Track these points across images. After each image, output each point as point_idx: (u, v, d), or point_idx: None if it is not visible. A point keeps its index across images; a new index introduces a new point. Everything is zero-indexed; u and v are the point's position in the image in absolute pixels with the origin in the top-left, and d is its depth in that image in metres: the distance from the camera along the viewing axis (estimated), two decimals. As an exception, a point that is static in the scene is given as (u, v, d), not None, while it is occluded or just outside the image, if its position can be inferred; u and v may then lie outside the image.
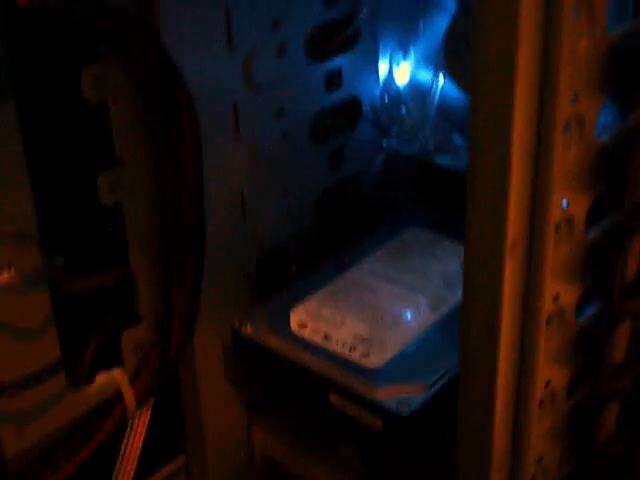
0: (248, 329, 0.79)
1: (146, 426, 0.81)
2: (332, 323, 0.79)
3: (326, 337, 0.77)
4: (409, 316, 0.80)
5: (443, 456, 0.68)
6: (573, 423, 0.79)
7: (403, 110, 1.00)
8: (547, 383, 0.70)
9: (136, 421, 0.80)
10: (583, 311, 0.73)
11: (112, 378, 0.78)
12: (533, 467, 0.74)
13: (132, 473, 0.81)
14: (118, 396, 0.78)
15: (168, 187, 0.77)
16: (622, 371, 0.81)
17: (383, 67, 0.99)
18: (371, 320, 0.79)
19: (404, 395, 0.69)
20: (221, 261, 0.85)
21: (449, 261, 0.87)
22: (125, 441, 0.80)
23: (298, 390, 0.78)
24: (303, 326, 0.79)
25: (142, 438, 0.81)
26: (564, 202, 0.66)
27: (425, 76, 0.97)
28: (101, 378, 0.78)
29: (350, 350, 0.75)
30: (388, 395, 0.69)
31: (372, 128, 0.99)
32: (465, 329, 0.62)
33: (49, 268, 0.71)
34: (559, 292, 0.67)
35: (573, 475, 0.82)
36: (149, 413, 0.81)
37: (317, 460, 0.88)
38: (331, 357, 0.75)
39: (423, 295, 0.82)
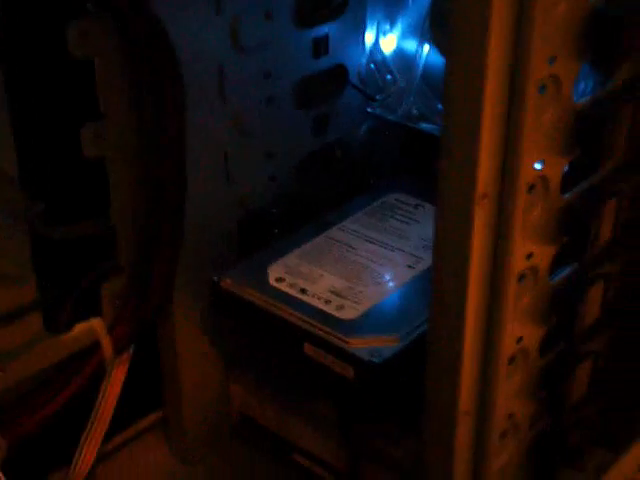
0: (226, 282, 0.81)
1: (124, 377, 0.82)
2: (309, 278, 0.80)
3: (302, 291, 0.79)
4: (386, 273, 0.81)
5: (416, 408, 0.70)
6: (546, 382, 0.80)
7: (388, 78, 1.02)
8: (519, 340, 0.72)
9: (113, 371, 0.81)
10: (558, 272, 0.75)
11: (90, 327, 0.79)
12: (504, 422, 0.75)
13: (108, 422, 0.82)
14: (96, 345, 0.79)
15: (151, 142, 0.78)
16: (595, 332, 0.84)
17: (370, 36, 1.00)
18: (348, 276, 0.81)
19: (376, 345, 0.70)
20: (203, 219, 0.86)
21: (430, 224, 0.87)
22: (102, 390, 0.81)
23: (274, 342, 0.79)
24: (280, 280, 0.80)
25: (119, 388, 0.82)
26: (539, 163, 0.67)
27: (411, 45, 0.99)
28: (79, 327, 0.79)
29: (325, 303, 0.77)
30: (360, 345, 0.70)
31: (358, 95, 1.00)
32: (436, 278, 0.64)
33: (29, 214, 0.72)
34: (532, 251, 0.69)
35: (547, 433, 0.84)
36: (127, 364, 0.82)
37: (294, 416, 0.90)
38: (306, 309, 0.76)
39: (401, 254, 0.84)
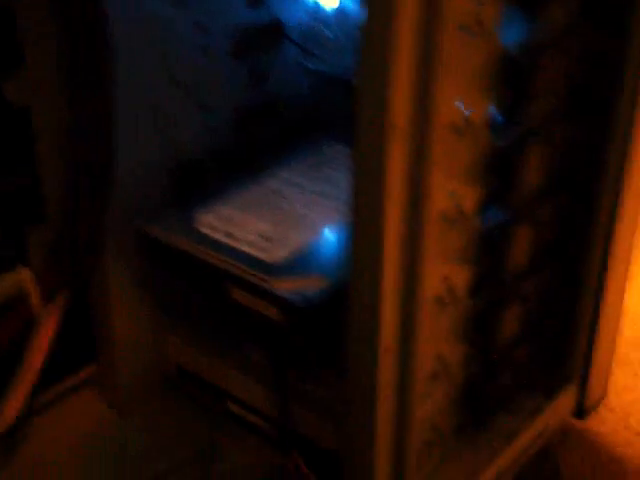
0: (153, 229, 0.80)
1: (55, 327, 0.82)
2: (237, 224, 0.80)
3: (229, 235, 0.79)
4: (314, 219, 0.81)
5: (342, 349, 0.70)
6: (477, 325, 0.81)
7: (328, 34, 1.02)
8: (444, 279, 0.73)
9: (43, 320, 0.81)
10: (487, 215, 0.76)
11: (18, 277, 0.79)
12: (433, 363, 0.77)
13: (37, 372, 0.82)
14: (24, 295, 0.79)
15: (78, 92, 0.78)
16: (524, 275, 0.85)
17: (309, -9, 1.00)
18: (276, 221, 0.81)
19: (301, 286, 0.71)
20: (135, 168, 0.86)
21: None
22: (31, 339, 0.81)
23: (201, 287, 0.80)
24: (208, 226, 0.80)
25: (50, 337, 0.82)
26: (461, 104, 0.68)
27: (349, 0, 0.99)
28: (7, 276, 0.79)
29: (251, 246, 0.77)
30: (285, 286, 0.71)
31: (298, 51, 1.00)
32: (355, 211, 0.65)
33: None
34: (455, 190, 0.70)
35: (479, 376, 0.85)
36: (58, 315, 0.82)
37: (227, 364, 0.90)
38: (232, 252, 0.77)
39: (331, 201, 0.84)
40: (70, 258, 0.80)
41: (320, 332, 0.73)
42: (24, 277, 0.79)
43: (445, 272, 0.72)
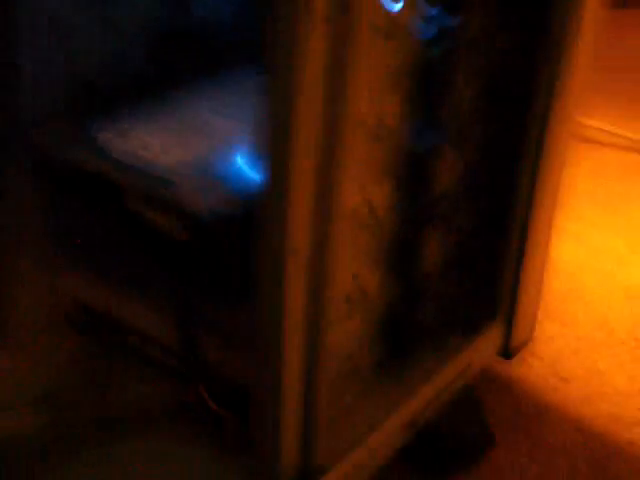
0: (42, 136, 0.73)
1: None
2: (137, 137, 0.74)
3: (138, 149, 0.71)
4: (218, 134, 0.75)
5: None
6: (399, 250, 0.77)
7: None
8: (363, 194, 0.68)
9: None
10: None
11: None
12: (348, 283, 0.72)
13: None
14: None
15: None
16: (447, 198, 0.80)
17: None
18: (177, 133, 0.75)
19: (199, 192, 0.65)
20: (40, 88, 0.79)
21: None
22: None
23: (95, 202, 0.72)
24: (106, 140, 0.73)
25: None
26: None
27: None
28: None
29: (152, 157, 0.70)
30: (185, 194, 0.65)
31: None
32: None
33: None
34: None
35: (399, 306, 0.80)
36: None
37: (127, 297, 0.83)
38: (128, 159, 0.70)
39: (240, 122, 0.77)
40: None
41: (221, 243, 0.67)
42: None
43: (365, 186, 0.67)
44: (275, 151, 0.60)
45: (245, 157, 0.71)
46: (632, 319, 1.14)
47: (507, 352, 0.94)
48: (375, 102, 0.66)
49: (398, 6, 0.64)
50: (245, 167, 0.69)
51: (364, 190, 0.68)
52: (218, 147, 0.73)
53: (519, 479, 0.91)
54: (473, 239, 0.87)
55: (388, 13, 0.63)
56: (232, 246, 0.67)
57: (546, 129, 0.82)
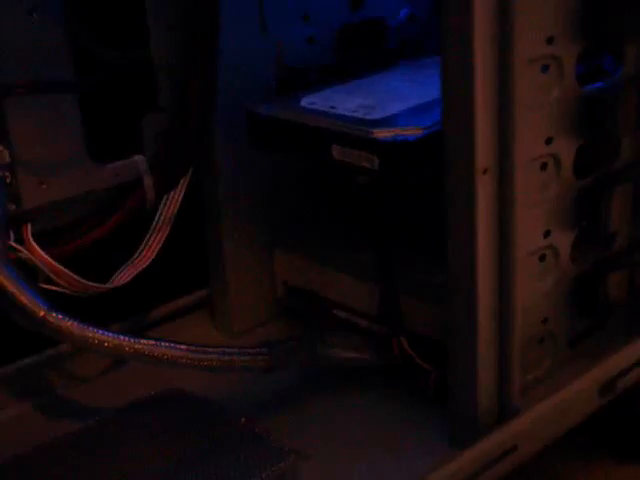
0: (260, 109, 0.88)
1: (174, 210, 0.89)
2: (340, 100, 0.86)
3: (332, 107, 0.85)
4: (413, 95, 0.86)
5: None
6: (580, 290, 0.85)
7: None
8: (546, 234, 0.79)
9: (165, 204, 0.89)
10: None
11: (133, 162, 0.87)
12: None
13: (156, 250, 0.89)
14: (138, 182, 0.87)
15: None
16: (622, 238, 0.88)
17: None
18: (375, 97, 0.86)
19: (399, 134, 0.76)
20: (240, 68, 0.93)
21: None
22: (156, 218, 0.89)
23: (304, 153, 0.85)
24: (312, 104, 0.87)
25: (169, 219, 0.89)
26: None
27: None
28: (122, 161, 0.87)
29: (353, 112, 0.83)
30: (385, 134, 0.76)
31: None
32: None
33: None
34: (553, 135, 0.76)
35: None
36: (178, 199, 0.89)
37: (334, 271, 0.95)
38: (334, 116, 0.83)
39: (429, 87, 0.87)
40: (180, 144, 0.87)
41: (417, 178, 0.78)
42: (139, 163, 0.87)
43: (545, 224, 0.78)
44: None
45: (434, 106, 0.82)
46: None
47: None
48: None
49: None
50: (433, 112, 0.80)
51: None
52: (409, 102, 0.85)
53: None
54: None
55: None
56: (421, 171, 0.78)
57: None
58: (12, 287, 0.74)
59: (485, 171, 0.71)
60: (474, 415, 0.80)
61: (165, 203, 0.88)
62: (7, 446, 0.87)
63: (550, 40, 0.73)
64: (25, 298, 0.74)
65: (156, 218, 0.88)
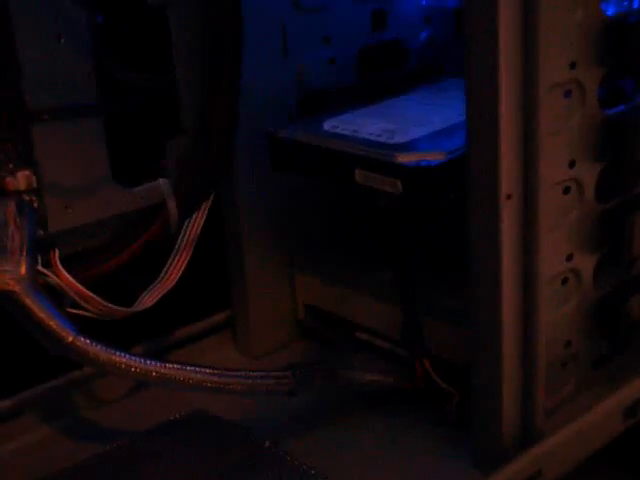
0: (282, 132, 0.89)
1: (196, 234, 0.90)
2: (362, 124, 0.87)
3: (355, 131, 0.86)
4: (434, 119, 0.87)
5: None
6: (603, 313, 0.86)
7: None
8: (569, 257, 0.80)
9: (186, 229, 0.89)
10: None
11: (157, 185, 0.88)
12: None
13: (178, 273, 0.89)
14: (162, 203, 0.88)
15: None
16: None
17: None
18: (399, 122, 0.87)
19: (423, 159, 0.76)
20: (262, 90, 0.95)
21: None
22: (177, 242, 0.89)
23: (327, 176, 0.86)
24: (334, 127, 0.88)
25: (191, 243, 0.90)
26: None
27: None
28: (146, 185, 0.88)
29: (376, 136, 0.83)
30: (408, 159, 0.77)
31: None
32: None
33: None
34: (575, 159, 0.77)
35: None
36: (200, 222, 0.90)
37: (354, 294, 0.96)
38: (357, 140, 0.84)
39: (450, 111, 0.89)
40: (203, 167, 0.88)
41: (441, 198, 0.78)
42: (162, 186, 0.88)
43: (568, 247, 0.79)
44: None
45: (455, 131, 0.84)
46: None
47: None
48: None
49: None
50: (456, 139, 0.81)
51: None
52: (431, 127, 0.86)
53: None
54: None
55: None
56: (444, 196, 0.78)
57: None
58: (41, 312, 0.75)
59: (509, 196, 0.72)
60: (498, 439, 0.81)
61: (188, 225, 0.89)
62: (30, 469, 0.88)
63: (573, 65, 0.74)
64: (54, 323, 0.76)
65: (179, 240, 0.89)
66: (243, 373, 0.85)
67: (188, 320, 1.05)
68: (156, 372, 0.80)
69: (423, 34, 1.09)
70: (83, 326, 0.80)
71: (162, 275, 0.88)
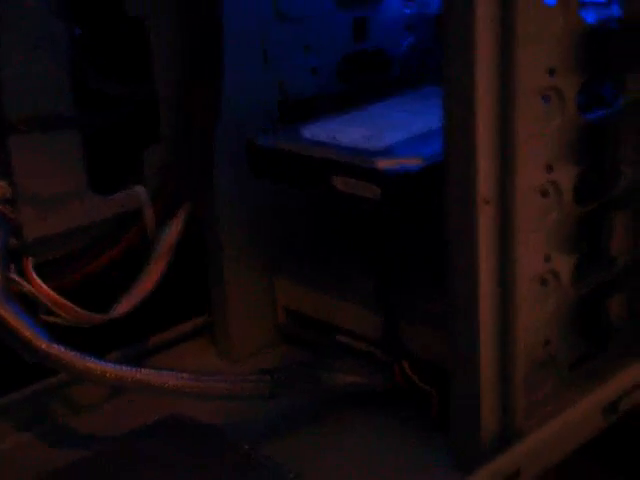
0: (263, 140, 0.89)
1: (174, 242, 0.90)
2: (341, 131, 0.87)
3: (334, 138, 0.86)
4: (412, 125, 0.87)
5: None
6: (582, 312, 0.86)
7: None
8: (547, 258, 0.80)
9: (162, 237, 0.89)
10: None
11: (133, 192, 0.88)
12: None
13: (156, 281, 0.90)
14: (140, 212, 0.88)
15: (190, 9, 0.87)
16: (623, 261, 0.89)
17: None
18: (378, 127, 0.88)
19: (401, 164, 0.77)
20: (242, 97, 0.95)
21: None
22: (153, 249, 0.89)
23: (304, 185, 0.87)
24: (313, 135, 0.88)
25: (170, 250, 0.90)
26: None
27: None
28: (123, 192, 0.88)
29: (354, 141, 0.84)
30: (387, 164, 0.77)
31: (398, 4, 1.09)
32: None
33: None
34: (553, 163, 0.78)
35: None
36: (178, 229, 0.90)
37: (334, 298, 0.97)
38: (335, 146, 0.84)
39: (429, 117, 0.88)
40: (183, 176, 0.88)
41: (419, 209, 0.79)
42: (140, 194, 0.88)
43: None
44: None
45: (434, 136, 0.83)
46: None
47: None
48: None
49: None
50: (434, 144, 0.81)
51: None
52: (410, 132, 0.86)
53: None
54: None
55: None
56: (425, 200, 0.79)
57: None
58: (14, 321, 0.75)
59: (487, 202, 0.72)
60: (478, 439, 0.81)
61: (166, 232, 0.89)
62: (7, 477, 0.88)
63: (552, 72, 0.74)
64: (28, 332, 0.75)
65: (156, 247, 0.89)
66: (221, 377, 0.85)
67: (167, 325, 1.05)
68: (131, 378, 0.80)
69: (405, 42, 1.09)
70: (60, 333, 0.80)
71: (138, 282, 0.88)
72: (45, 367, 0.79)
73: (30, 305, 0.80)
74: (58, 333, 0.80)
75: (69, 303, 0.82)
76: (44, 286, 0.81)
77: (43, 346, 0.77)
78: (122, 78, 0.87)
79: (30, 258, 0.81)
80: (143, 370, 0.81)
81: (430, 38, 1.09)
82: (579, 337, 0.88)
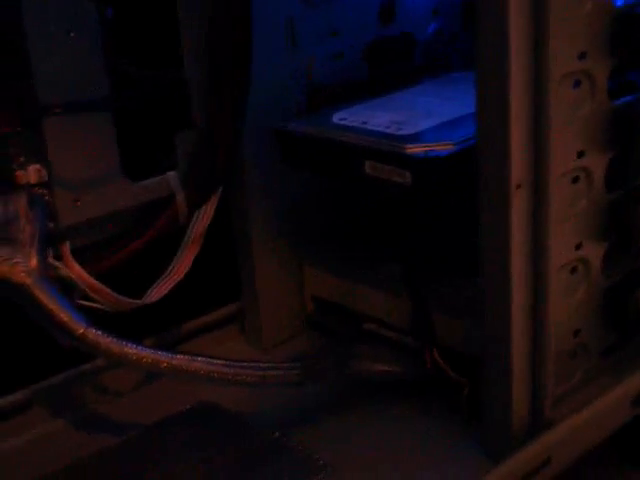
0: (291, 126, 0.90)
1: (204, 227, 0.91)
2: (371, 116, 0.88)
3: (364, 123, 0.87)
4: (442, 111, 0.88)
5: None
6: (611, 302, 0.87)
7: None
8: (578, 246, 0.80)
9: (195, 221, 0.91)
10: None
11: (165, 178, 0.89)
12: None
13: (188, 266, 0.91)
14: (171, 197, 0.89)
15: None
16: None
17: None
18: (407, 113, 0.88)
19: (432, 149, 0.78)
20: (270, 83, 0.96)
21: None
22: (186, 235, 0.91)
23: (335, 172, 0.88)
24: (343, 119, 0.89)
25: (200, 236, 0.91)
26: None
27: None
28: (156, 178, 0.90)
29: (385, 128, 0.85)
30: (417, 149, 0.78)
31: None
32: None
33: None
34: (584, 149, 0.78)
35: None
36: (208, 215, 0.91)
37: (363, 286, 0.97)
38: (366, 132, 0.85)
39: (459, 103, 0.90)
40: (211, 161, 0.89)
41: (449, 193, 0.80)
42: (171, 180, 0.89)
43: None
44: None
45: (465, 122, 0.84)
46: None
47: None
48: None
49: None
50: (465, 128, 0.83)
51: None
52: (440, 119, 0.87)
53: None
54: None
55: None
56: (452, 186, 0.80)
57: None
58: (52, 304, 0.76)
59: (519, 186, 0.73)
60: (508, 428, 0.81)
61: (197, 218, 0.90)
62: (40, 463, 0.89)
63: (582, 56, 0.75)
64: (65, 315, 0.76)
65: (188, 233, 0.90)
66: (252, 364, 0.85)
67: (198, 312, 1.06)
68: (167, 363, 0.81)
69: (431, 27, 1.10)
70: (94, 318, 0.81)
71: (171, 267, 0.89)
72: (78, 353, 0.80)
73: (67, 290, 0.82)
74: (93, 318, 0.81)
75: (105, 288, 0.84)
76: (81, 270, 0.83)
77: (81, 330, 0.77)
78: (152, 62, 0.89)
79: (67, 242, 0.83)
80: (178, 356, 0.82)
81: (456, 22, 1.10)
82: (608, 327, 0.88)
